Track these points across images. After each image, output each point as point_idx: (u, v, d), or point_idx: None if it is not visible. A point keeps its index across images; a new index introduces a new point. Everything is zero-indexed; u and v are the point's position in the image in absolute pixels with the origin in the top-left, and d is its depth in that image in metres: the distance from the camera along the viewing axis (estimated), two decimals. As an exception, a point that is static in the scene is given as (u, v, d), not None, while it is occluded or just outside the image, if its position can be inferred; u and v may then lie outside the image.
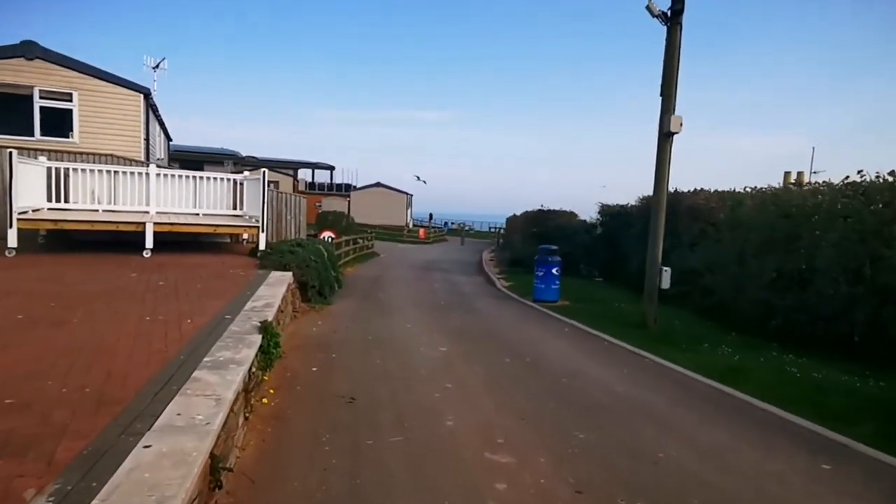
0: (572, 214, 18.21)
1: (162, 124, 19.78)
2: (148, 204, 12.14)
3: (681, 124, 8.78)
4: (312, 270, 10.36)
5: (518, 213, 23.62)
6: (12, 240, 9.46)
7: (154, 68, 14.11)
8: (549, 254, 12.49)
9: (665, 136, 9.00)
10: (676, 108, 8.82)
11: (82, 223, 10.24)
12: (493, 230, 61.32)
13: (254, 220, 11.53)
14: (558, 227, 17.76)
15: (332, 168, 61.01)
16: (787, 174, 16.35)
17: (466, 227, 63.62)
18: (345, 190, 51.78)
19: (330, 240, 17.05)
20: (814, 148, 27.25)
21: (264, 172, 11.29)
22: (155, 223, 10.50)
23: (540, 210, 18.64)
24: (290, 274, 9.34)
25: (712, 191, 11.79)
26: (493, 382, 6.04)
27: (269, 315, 5.91)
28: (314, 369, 6.11)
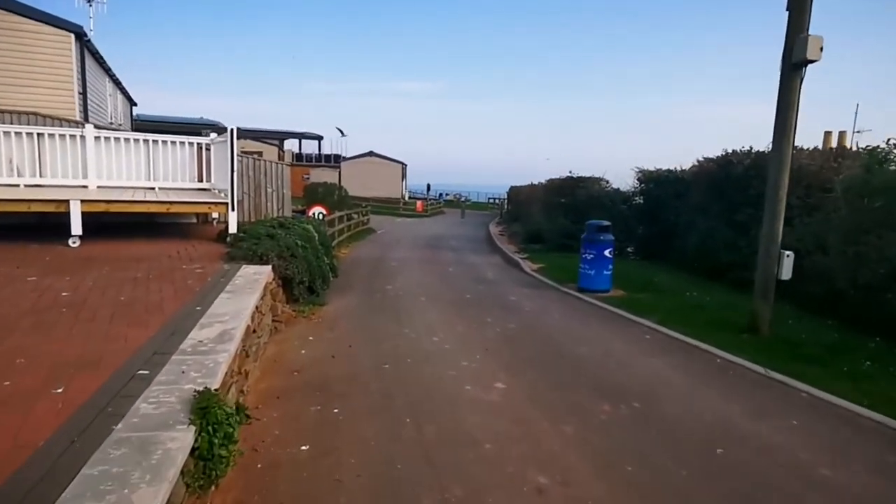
0: (604, 182, 15.61)
1: (117, 83, 16.77)
2: (85, 176, 9.41)
3: (820, 49, 6.14)
4: (299, 261, 7.75)
5: (533, 183, 20.88)
6: None
7: (89, 2, 11.20)
8: (600, 230, 9.92)
9: (793, 68, 6.37)
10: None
11: (-23, 202, 7.49)
12: (491, 201, 58.70)
13: (222, 194, 8.84)
14: (591, 198, 15.14)
15: (320, 138, 57.58)
16: (827, 134, 13.92)
17: (463, 199, 60.89)
18: (334, 161, 48.63)
19: (321, 217, 14.38)
20: (857, 104, 24.54)
21: (232, 132, 8.54)
22: (83, 201, 7.78)
23: (568, 177, 16.00)
24: (267, 268, 6.73)
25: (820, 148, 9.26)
26: (611, 469, 3.53)
27: (222, 363, 3.33)
28: (304, 448, 3.57)
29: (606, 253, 9.79)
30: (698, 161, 12.41)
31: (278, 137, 52.97)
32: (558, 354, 6.03)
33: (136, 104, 22.56)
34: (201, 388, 2.77)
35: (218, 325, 4.18)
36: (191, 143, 10.17)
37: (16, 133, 9.10)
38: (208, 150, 10.26)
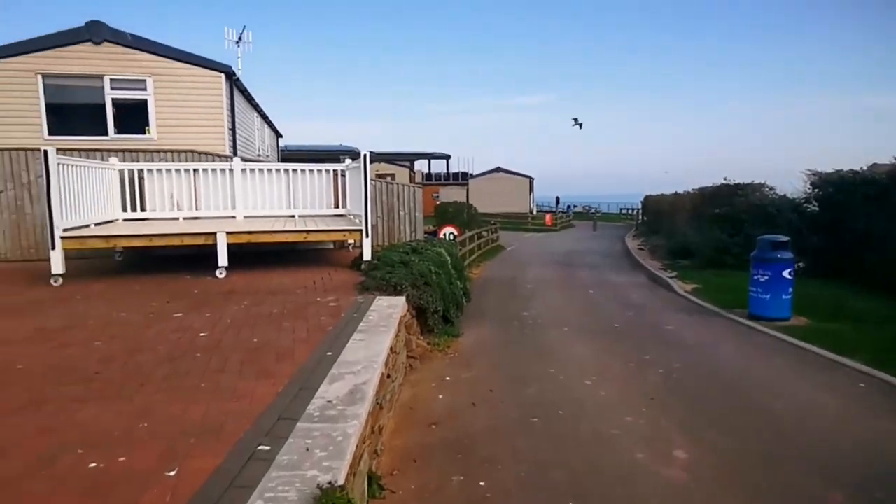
0: (767, 188, 13.54)
1: (264, 117, 17.94)
2: (234, 207, 9.87)
3: None
4: (433, 289, 7.29)
5: (678, 192, 18.92)
6: (57, 265, 7.37)
7: (237, 42, 12.01)
8: (777, 247, 8.35)
9: None
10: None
11: (136, 238, 7.98)
12: (624, 212, 55.62)
13: (357, 220, 8.73)
14: (754, 207, 13.19)
15: (447, 157, 58.66)
16: None
17: (592, 211, 58.41)
18: (462, 178, 49.10)
19: (452, 237, 14.06)
20: None
21: (364, 157, 8.38)
22: (229, 233, 7.99)
23: (724, 184, 14.16)
24: (401, 300, 6.31)
25: None
26: None
27: (352, 435, 2.80)
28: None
29: (785, 274, 8.20)
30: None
31: (409, 159, 54.79)
32: (746, 410, 4.86)
33: (281, 136, 24.21)
34: (325, 484, 2.24)
35: (349, 377, 3.73)
36: (327, 171, 10.30)
37: (175, 170, 9.80)
38: (343, 176, 10.32)
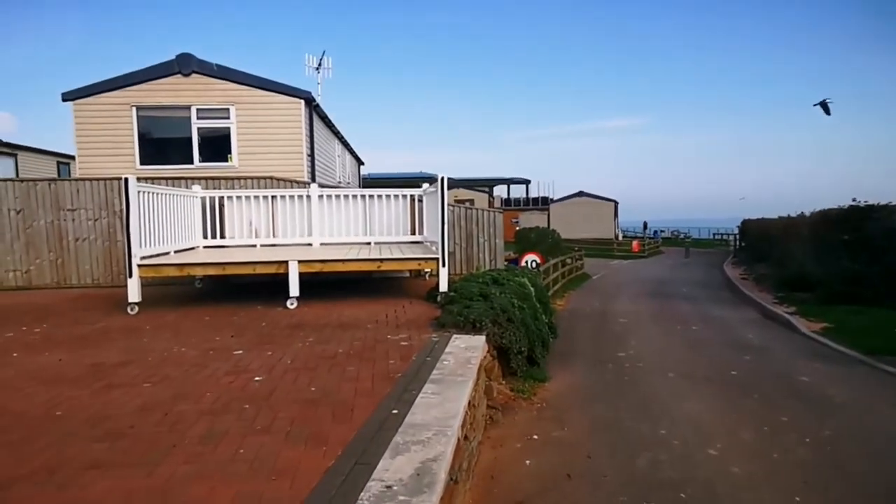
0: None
1: (346, 144, 17.98)
2: (310, 234, 9.59)
3: None
4: (517, 326, 6.44)
5: (790, 215, 16.82)
6: (133, 293, 7.23)
7: (317, 68, 11.96)
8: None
9: None
10: None
11: (210, 266, 7.74)
12: (718, 238, 52.00)
13: (434, 247, 8.09)
14: (890, 231, 11.33)
15: (527, 182, 57.81)
16: None
17: (682, 237, 55.10)
18: (542, 203, 47.97)
19: (535, 265, 13.15)
20: None
21: (442, 180, 7.76)
22: (301, 262, 7.58)
23: (853, 206, 12.32)
24: (480, 340, 5.52)
25: None
26: None
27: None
28: None
29: (957, 315, 6.64)
30: None
31: (488, 185, 54.42)
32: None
33: (363, 163, 24.41)
34: None
35: (417, 448, 2.97)
36: (403, 196, 9.81)
37: (254, 197, 9.65)
38: (420, 201, 9.78)
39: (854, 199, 12.25)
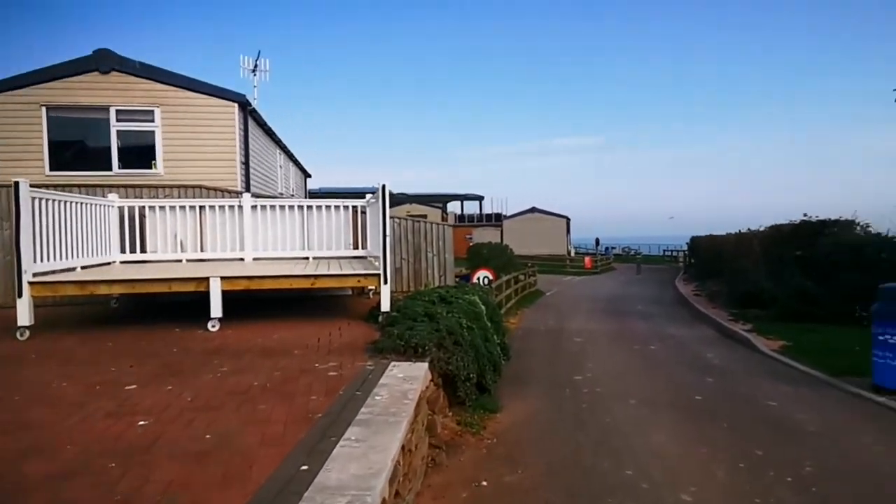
0: (860, 226, 11.58)
1: (290, 155, 17.08)
2: (242, 248, 8.71)
3: None
4: (465, 350, 5.78)
5: (743, 231, 16.84)
6: (23, 315, 6.17)
7: (252, 70, 11.03)
8: (910, 300, 6.57)
9: None
10: None
11: (118, 284, 6.79)
12: (668, 254, 53.14)
13: (377, 262, 7.36)
14: (840, 246, 11.28)
15: (480, 198, 57.78)
16: None
17: (633, 253, 56.06)
18: (496, 219, 47.87)
19: (487, 282, 12.56)
20: None
21: (384, 188, 7.05)
22: (224, 278, 6.70)
23: (805, 221, 12.27)
24: (423, 368, 4.82)
25: None
26: None
27: None
28: None
29: (921, 333, 6.38)
30: None
31: (441, 200, 54.03)
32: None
33: (310, 176, 23.45)
34: None
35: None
36: (345, 207, 9.07)
37: (179, 207, 8.69)
38: (364, 213, 9.06)
39: (805, 214, 12.29)
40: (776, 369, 8.11)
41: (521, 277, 20.21)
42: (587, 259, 37.05)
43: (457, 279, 12.06)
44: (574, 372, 7.82)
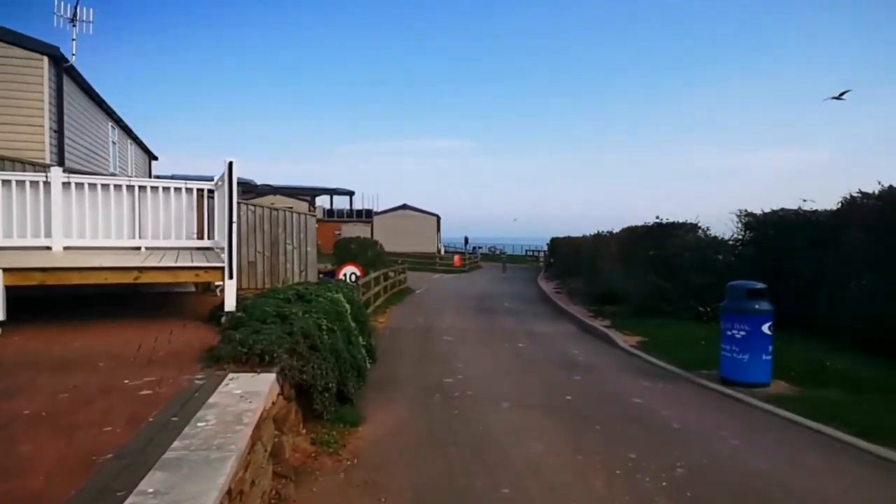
0: (701, 229, 12.56)
1: (127, 131, 14.84)
2: (48, 234, 7.05)
3: None
4: (324, 355, 4.99)
5: (600, 232, 17.76)
6: None
7: (71, 20, 8.99)
8: (753, 296, 6.93)
9: None
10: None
11: None
12: (530, 254, 55.74)
13: (224, 255, 6.26)
14: (688, 248, 12.09)
15: (351, 193, 56.28)
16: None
17: (498, 252, 58.08)
18: (366, 216, 46.79)
19: (354, 278, 11.75)
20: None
21: (230, 166, 5.99)
22: (6, 270, 5.23)
23: (656, 223, 13.02)
24: (268, 381, 3.96)
25: None
26: None
27: None
28: None
29: (765, 329, 6.75)
30: (849, 197, 9.39)
31: (310, 194, 51.69)
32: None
33: (156, 158, 20.83)
34: None
35: None
36: (188, 190, 7.77)
37: (-45, 181, 6.82)
38: (211, 197, 7.84)
39: (657, 217, 13.09)
40: (635, 365, 8.29)
41: (391, 274, 19.60)
42: (456, 257, 37.49)
43: (321, 275, 11.10)
44: (444, 374, 7.33)
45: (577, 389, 6.70)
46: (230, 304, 5.83)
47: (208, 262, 6.35)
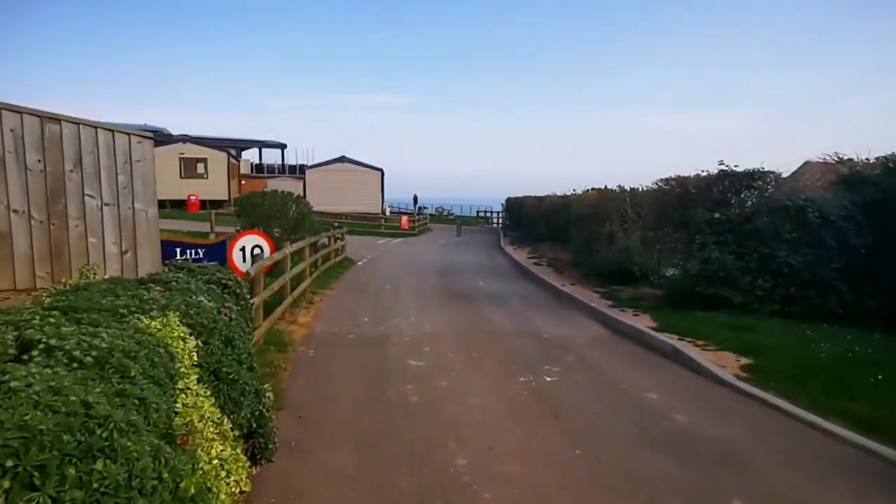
0: (781, 180, 8.58)
1: None
2: None
3: None
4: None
5: (608, 187, 13.35)
6: None
7: None
8: None
9: None
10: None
11: None
12: (481, 215, 51.83)
13: None
14: (779, 208, 7.94)
15: (283, 146, 50.01)
16: None
17: (447, 213, 53.83)
18: (299, 172, 41.07)
19: (252, 257, 7.04)
20: None
21: None
22: None
23: (724, 171, 8.41)
24: None
25: None
26: None
27: None
28: None
29: None
30: None
31: (236, 146, 45.17)
32: None
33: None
34: None
35: None
36: None
37: None
38: None
39: (721, 163, 8.87)
40: (792, 436, 4.23)
41: (327, 242, 14.96)
42: (404, 219, 32.88)
43: (183, 259, 6.33)
44: (434, 451, 3.03)
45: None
46: None
47: None
